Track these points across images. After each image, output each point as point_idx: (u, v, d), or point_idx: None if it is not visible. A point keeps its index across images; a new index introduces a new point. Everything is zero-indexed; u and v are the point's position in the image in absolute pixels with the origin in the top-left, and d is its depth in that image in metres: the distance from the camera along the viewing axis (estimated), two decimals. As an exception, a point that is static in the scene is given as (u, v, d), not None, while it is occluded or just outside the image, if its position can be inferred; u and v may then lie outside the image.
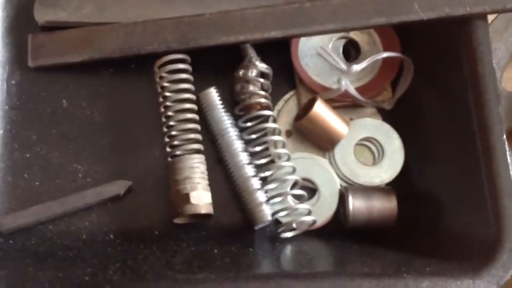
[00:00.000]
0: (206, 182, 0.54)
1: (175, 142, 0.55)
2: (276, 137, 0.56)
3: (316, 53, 0.58)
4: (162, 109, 0.56)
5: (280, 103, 0.59)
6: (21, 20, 0.58)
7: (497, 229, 0.47)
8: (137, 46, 0.55)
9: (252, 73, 0.56)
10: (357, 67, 0.56)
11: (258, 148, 0.56)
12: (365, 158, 0.58)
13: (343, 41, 0.59)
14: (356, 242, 0.54)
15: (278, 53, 0.58)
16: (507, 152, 0.48)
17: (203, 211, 0.53)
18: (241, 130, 0.57)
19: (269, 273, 0.49)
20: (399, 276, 0.46)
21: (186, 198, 0.52)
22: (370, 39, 0.59)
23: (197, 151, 0.55)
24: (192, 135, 0.55)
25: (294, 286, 0.45)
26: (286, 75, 0.59)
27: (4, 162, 0.56)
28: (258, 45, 0.56)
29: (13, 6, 0.58)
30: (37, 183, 0.56)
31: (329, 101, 0.57)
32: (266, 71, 0.56)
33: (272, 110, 0.57)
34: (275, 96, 0.58)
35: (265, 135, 0.56)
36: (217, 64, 0.58)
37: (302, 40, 0.58)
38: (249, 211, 0.55)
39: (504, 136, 0.48)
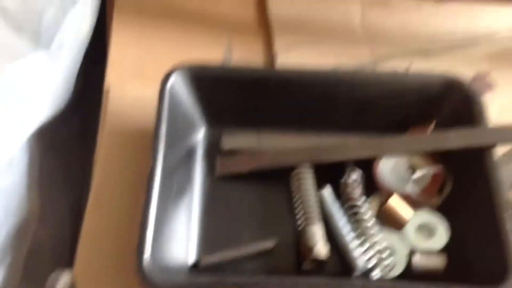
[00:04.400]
0: (324, 240, 0.88)
1: (303, 216, 0.90)
2: (368, 213, 0.90)
3: (390, 170, 0.94)
4: (296, 198, 0.92)
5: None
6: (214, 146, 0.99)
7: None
8: (283, 162, 0.94)
9: (351, 178, 0.92)
10: (416, 177, 0.92)
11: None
12: (424, 234, 0.90)
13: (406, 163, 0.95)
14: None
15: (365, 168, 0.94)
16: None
17: (322, 258, 0.86)
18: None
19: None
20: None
21: (311, 250, 0.86)
22: (423, 162, 0.95)
23: (317, 223, 0.89)
24: (314, 212, 0.90)
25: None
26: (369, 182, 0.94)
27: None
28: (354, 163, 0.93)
29: (210, 137, 1.00)
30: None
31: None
32: (359, 178, 0.93)
33: (363, 202, 0.91)
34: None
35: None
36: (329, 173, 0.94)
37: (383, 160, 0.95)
38: (348, 261, 0.87)
39: None
